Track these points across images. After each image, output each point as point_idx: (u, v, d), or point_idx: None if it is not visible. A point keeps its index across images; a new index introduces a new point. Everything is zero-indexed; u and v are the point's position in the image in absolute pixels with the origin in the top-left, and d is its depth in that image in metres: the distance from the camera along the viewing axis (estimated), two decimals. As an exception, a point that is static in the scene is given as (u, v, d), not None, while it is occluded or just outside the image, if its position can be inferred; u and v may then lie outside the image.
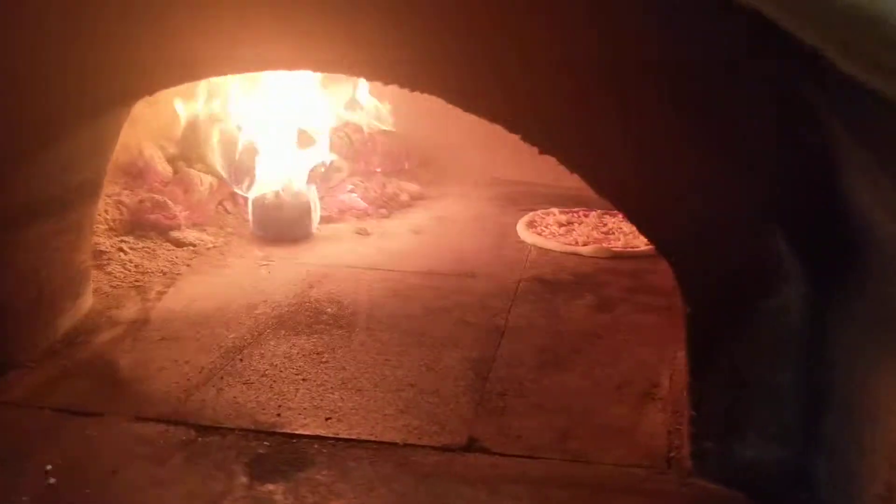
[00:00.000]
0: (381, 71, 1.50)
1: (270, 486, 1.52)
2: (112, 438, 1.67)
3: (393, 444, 1.68)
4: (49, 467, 1.53)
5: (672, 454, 1.65)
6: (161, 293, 2.46)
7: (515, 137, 1.42)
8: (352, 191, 3.45)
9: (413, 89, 1.51)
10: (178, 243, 2.88)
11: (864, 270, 1.25)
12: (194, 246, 2.89)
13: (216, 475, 1.55)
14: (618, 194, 1.49)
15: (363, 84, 3.73)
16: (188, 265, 2.70)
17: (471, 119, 1.47)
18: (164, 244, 2.78)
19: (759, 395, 1.48)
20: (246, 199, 3.22)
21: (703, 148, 1.41)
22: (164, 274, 2.61)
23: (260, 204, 3.03)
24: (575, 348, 2.12)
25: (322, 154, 3.26)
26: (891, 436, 1.17)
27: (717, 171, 1.41)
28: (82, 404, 1.81)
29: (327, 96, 3.56)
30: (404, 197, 3.58)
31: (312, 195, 3.10)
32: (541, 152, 1.53)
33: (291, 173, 3.05)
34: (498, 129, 1.44)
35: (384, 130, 3.73)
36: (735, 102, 1.34)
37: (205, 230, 3.04)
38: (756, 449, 1.51)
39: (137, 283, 2.51)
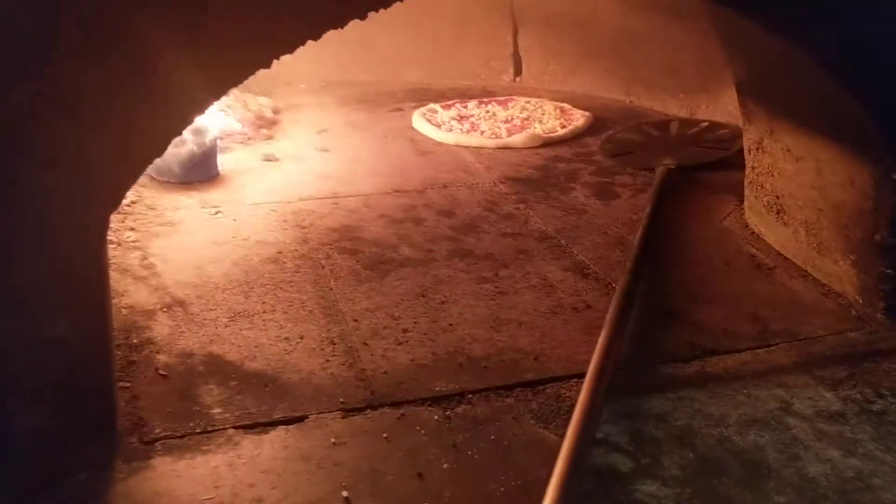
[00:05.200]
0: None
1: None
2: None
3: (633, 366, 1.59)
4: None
5: (854, 313, 1.76)
6: (148, 267, 2.00)
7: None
8: (223, 112, 3.01)
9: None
10: (88, 204, 2.31)
11: None
12: (107, 204, 2.34)
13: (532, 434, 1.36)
14: (854, 76, 1.51)
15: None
16: (132, 230, 2.20)
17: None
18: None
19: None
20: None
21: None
22: (120, 245, 2.11)
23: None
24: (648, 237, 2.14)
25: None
26: None
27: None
28: (246, 416, 1.45)
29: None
30: (269, 113, 3.23)
31: (215, 130, 2.66)
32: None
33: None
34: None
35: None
36: None
37: (97, 184, 2.47)
38: (945, 288, 1.68)
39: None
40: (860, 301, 1.74)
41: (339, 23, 1.30)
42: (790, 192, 1.93)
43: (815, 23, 1.48)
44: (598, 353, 1.47)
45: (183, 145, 2.48)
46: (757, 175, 2.08)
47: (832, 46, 1.51)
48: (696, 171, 2.56)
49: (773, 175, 1.99)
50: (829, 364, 1.56)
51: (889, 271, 1.66)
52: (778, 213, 1.99)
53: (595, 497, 1.23)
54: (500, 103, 3.40)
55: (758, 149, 2.05)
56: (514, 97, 3.46)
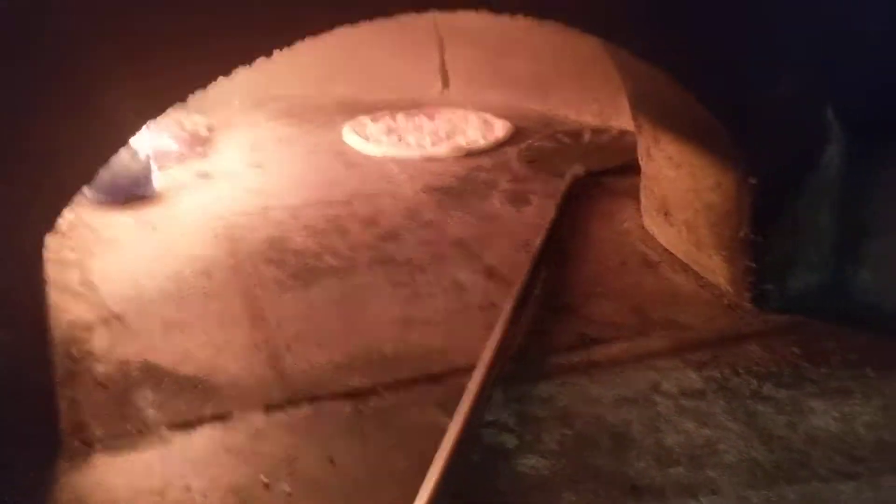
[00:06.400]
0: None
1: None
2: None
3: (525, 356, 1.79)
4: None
5: (725, 302, 2.00)
6: (87, 284, 2.16)
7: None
8: (158, 132, 3.16)
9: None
10: (29, 226, 2.46)
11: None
12: (46, 226, 2.49)
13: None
14: (704, 90, 1.73)
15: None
16: (72, 250, 2.36)
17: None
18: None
19: (807, 236, 1.89)
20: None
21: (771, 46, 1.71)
22: (60, 264, 2.26)
23: (98, 164, 2.67)
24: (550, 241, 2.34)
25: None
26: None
27: (787, 63, 1.72)
28: (177, 416, 1.62)
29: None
30: (203, 132, 3.39)
31: (148, 148, 2.82)
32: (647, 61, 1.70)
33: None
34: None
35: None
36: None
37: (37, 206, 2.61)
38: (802, 279, 1.93)
39: (47, 280, 2.14)
40: (731, 291, 1.96)
41: (268, 52, 1.47)
42: (673, 195, 2.15)
43: (671, 48, 1.69)
44: (489, 345, 1.67)
45: (119, 166, 2.62)
46: (648, 180, 2.30)
47: (687, 68, 1.73)
48: (603, 177, 2.78)
49: (659, 180, 2.22)
50: (698, 348, 1.78)
51: (753, 265, 1.88)
52: (665, 214, 2.21)
53: (483, 470, 1.42)
54: (427, 115, 3.58)
55: (647, 156, 2.27)
56: (441, 109, 3.65)
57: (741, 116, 1.77)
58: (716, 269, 2.01)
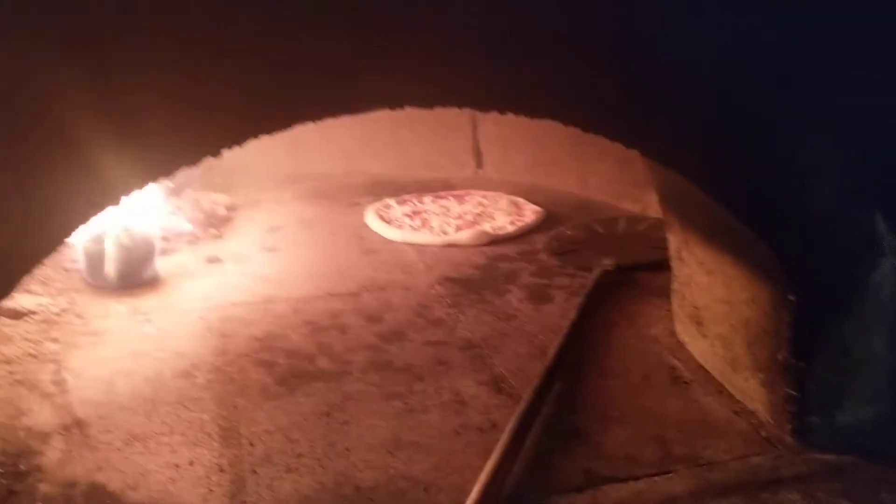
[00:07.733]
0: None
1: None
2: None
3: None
4: None
5: (763, 434, 1.71)
6: (59, 383, 1.97)
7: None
8: (172, 213, 3.02)
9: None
10: (15, 314, 2.32)
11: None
12: (35, 313, 2.35)
13: None
14: (729, 195, 1.49)
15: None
16: (54, 340, 2.19)
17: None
18: (-5, 319, 2.22)
19: (858, 364, 1.60)
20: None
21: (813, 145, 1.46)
22: (37, 358, 2.09)
23: (97, 250, 2.53)
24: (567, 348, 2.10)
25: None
26: None
27: (828, 164, 1.47)
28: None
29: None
30: (222, 211, 3.24)
31: (153, 230, 2.67)
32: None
33: (125, 209, 2.58)
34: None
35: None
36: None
37: (31, 290, 2.48)
38: (853, 413, 1.64)
39: (17, 379, 1.98)
40: (771, 421, 1.69)
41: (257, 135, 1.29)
42: (706, 305, 1.90)
43: (686, 149, 1.47)
44: (477, 483, 1.43)
45: (120, 250, 2.47)
46: (679, 284, 2.05)
47: (706, 170, 1.49)
48: (635, 272, 2.53)
49: (691, 286, 1.97)
50: (725, 494, 1.51)
51: (793, 392, 1.61)
52: (698, 324, 1.95)
53: None
54: (456, 198, 3.40)
55: (679, 258, 2.02)
56: (472, 191, 3.47)
57: (775, 223, 1.53)
58: (753, 393, 1.74)
